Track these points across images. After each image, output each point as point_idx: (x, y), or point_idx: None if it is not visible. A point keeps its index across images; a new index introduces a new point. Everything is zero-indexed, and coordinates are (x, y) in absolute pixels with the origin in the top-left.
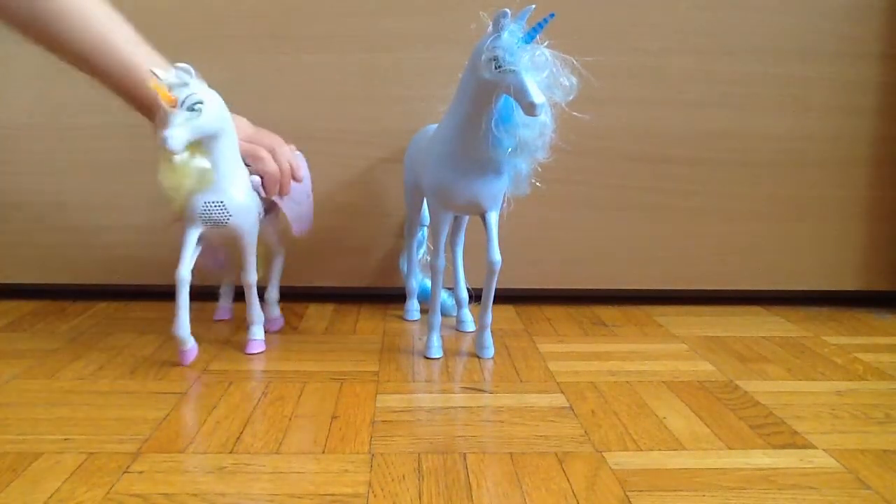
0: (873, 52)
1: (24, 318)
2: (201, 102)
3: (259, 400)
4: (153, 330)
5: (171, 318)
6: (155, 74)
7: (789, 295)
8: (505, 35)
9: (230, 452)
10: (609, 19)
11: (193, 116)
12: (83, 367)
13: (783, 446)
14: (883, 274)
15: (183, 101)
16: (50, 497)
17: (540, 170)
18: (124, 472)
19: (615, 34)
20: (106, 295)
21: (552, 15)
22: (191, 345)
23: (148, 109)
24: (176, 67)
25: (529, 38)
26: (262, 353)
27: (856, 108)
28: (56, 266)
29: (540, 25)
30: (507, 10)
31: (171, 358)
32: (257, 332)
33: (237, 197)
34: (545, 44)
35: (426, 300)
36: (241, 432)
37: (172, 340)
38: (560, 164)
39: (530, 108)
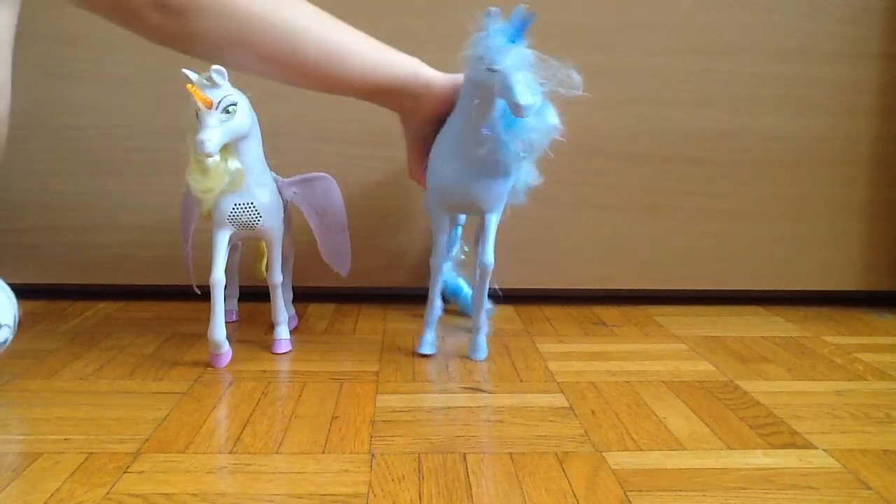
0: (873, 52)
1: (24, 318)
2: (236, 104)
3: (259, 400)
4: (153, 330)
5: (171, 318)
6: (188, 76)
7: (789, 295)
8: (491, 34)
9: (230, 452)
10: (609, 19)
11: (228, 118)
12: (83, 367)
13: (783, 446)
14: (883, 274)
15: (218, 103)
16: (50, 497)
17: (540, 170)
18: (124, 472)
19: (615, 34)
20: (106, 295)
21: (533, 14)
22: (226, 348)
23: (390, 97)
24: (211, 70)
25: (515, 36)
26: (289, 352)
27: (856, 108)
28: (56, 266)
29: (523, 24)
30: (493, 9)
31: (171, 358)
32: (283, 332)
33: (265, 198)
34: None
35: (455, 299)
36: (241, 432)
37: (173, 339)
38: (560, 164)
39: (517, 110)
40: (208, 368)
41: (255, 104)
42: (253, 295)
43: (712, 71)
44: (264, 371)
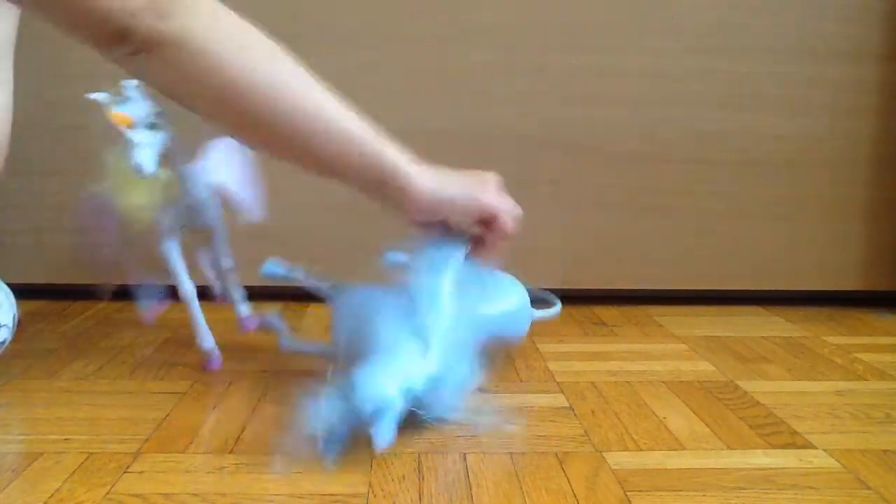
0: (873, 52)
1: (24, 318)
2: (158, 115)
3: (259, 400)
4: (153, 330)
5: (171, 318)
6: (98, 101)
7: (789, 295)
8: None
9: (230, 452)
10: (609, 19)
11: (156, 132)
12: (83, 367)
13: (783, 446)
14: (883, 274)
15: (141, 120)
16: (50, 497)
17: (541, 169)
18: (124, 472)
19: (615, 34)
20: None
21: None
22: (217, 352)
23: (366, 191)
24: (123, 86)
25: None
26: (253, 329)
27: (856, 108)
28: (56, 266)
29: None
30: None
31: (171, 358)
32: (247, 309)
33: (201, 196)
34: None
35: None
36: (242, 432)
37: (173, 339)
38: (560, 164)
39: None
40: (208, 369)
41: None
42: (253, 295)
43: (712, 71)
44: (264, 371)
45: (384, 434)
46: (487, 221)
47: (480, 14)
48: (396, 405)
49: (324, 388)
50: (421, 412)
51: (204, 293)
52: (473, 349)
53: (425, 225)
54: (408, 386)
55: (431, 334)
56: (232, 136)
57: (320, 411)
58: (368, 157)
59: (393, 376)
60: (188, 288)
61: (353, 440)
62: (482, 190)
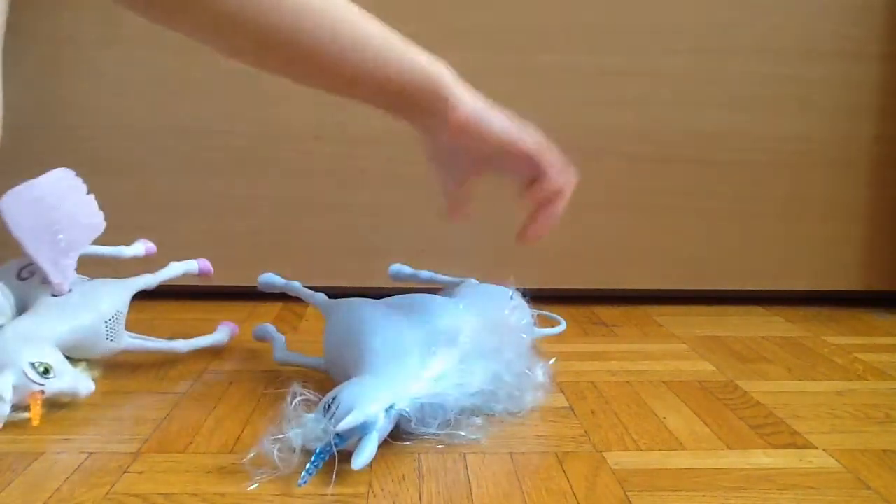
0: (873, 52)
1: None
2: (48, 369)
3: (259, 400)
4: (153, 330)
5: (171, 318)
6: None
7: (789, 295)
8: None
9: (230, 452)
10: (609, 19)
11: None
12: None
13: (783, 446)
14: (883, 274)
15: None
16: (50, 497)
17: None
18: (124, 472)
19: (616, 34)
20: None
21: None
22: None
23: (401, 106)
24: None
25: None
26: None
27: (856, 108)
28: None
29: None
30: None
31: (171, 358)
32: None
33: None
34: None
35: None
36: (241, 432)
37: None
38: None
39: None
40: (208, 368)
41: (255, 105)
42: (254, 295)
43: (712, 71)
44: (264, 371)
45: (364, 454)
46: (532, 171)
47: (479, 15)
48: (378, 425)
49: (309, 402)
50: (408, 432)
51: (202, 293)
52: (471, 379)
53: (458, 154)
54: (393, 406)
55: (435, 359)
56: (268, 69)
57: (303, 426)
58: (414, 68)
59: (378, 395)
60: (179, 346)
61: (335, 457)
62: (528, 131)
